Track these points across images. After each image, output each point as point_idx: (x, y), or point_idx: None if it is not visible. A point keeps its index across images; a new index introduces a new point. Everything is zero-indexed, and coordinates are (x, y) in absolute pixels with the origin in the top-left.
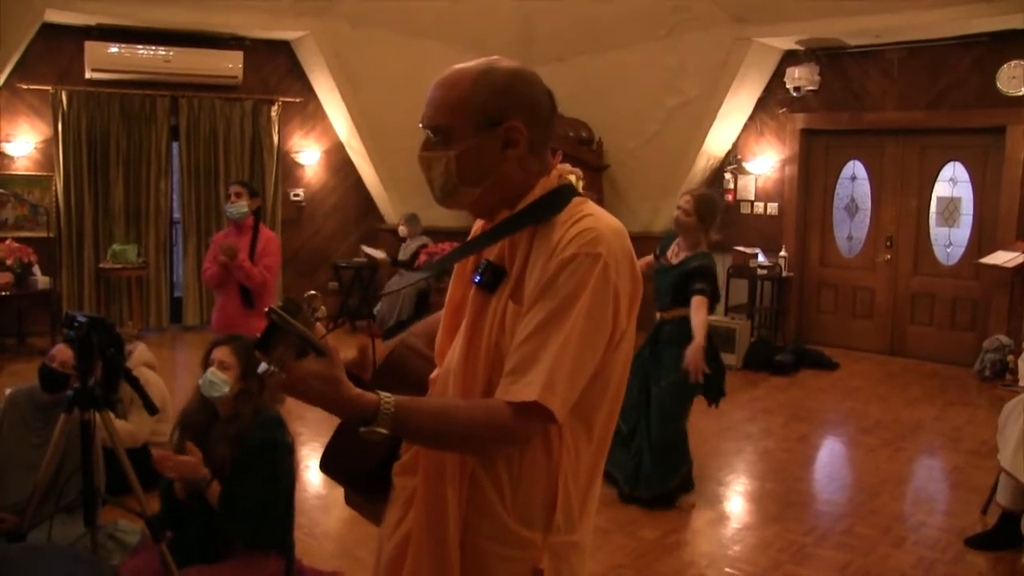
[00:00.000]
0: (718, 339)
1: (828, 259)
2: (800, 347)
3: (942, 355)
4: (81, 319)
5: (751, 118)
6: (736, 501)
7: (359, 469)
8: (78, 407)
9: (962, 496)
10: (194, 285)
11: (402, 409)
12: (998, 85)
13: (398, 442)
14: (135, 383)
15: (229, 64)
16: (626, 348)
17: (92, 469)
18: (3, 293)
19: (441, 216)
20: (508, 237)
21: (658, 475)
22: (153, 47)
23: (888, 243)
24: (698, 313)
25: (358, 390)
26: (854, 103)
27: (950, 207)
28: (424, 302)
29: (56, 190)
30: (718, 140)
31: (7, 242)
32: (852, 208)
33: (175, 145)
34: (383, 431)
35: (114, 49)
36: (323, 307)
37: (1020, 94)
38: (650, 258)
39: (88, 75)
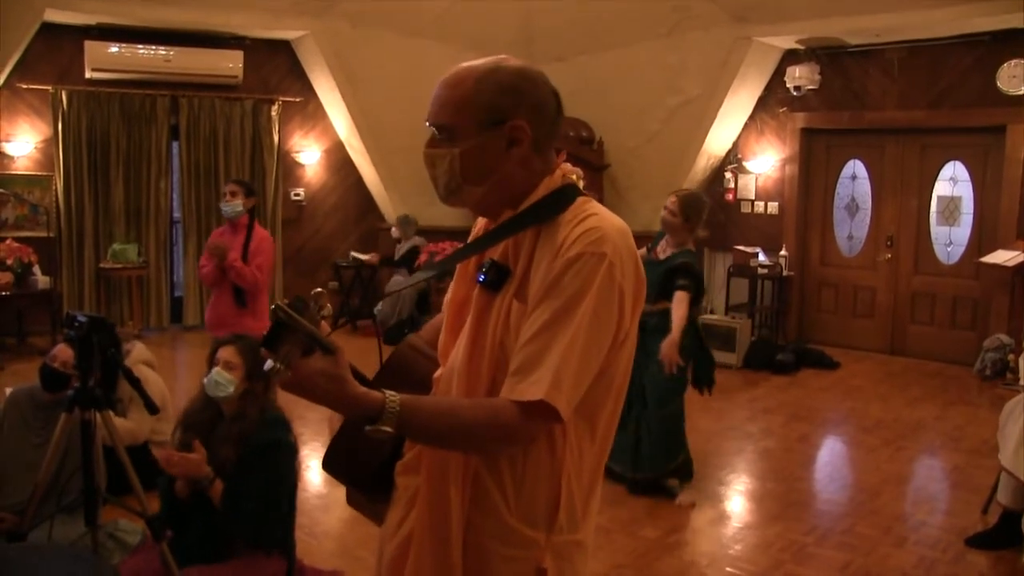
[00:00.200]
0: (719, 338)
1: (829, 258)
2: (801, 346)
3: (943, 354)
4: (82, 319)
5: (751, 117)
6: (737, 500)
7: (362, 468)
8: (79, 407)
9: (963, 495)
10: (194, 285)
11: (407, 408)
12: (998, 84)
13: (401, 441)
14: (136, 383)
15: (229, 64)
16: (629, 347)
17: (93, 469)
18: (3, 293)
19: (441, 216)
20: (512, 236)
21: (658, 456)
22: (153, 47)
23: (889, 242)
24: (678, 308)
25: (363, 388)
26: (854, 102)
27: (950, 206)
28: (425, 302)
29: (56, 190)
30: (719, 139)
31: (7, 242)
32: (852, 207)
33: (175, 145)
34: (388, 429)
35: (114, 49)
36: (328, 305)
37: (1020, 93)
38: (643, 250)
39: (88, 75)
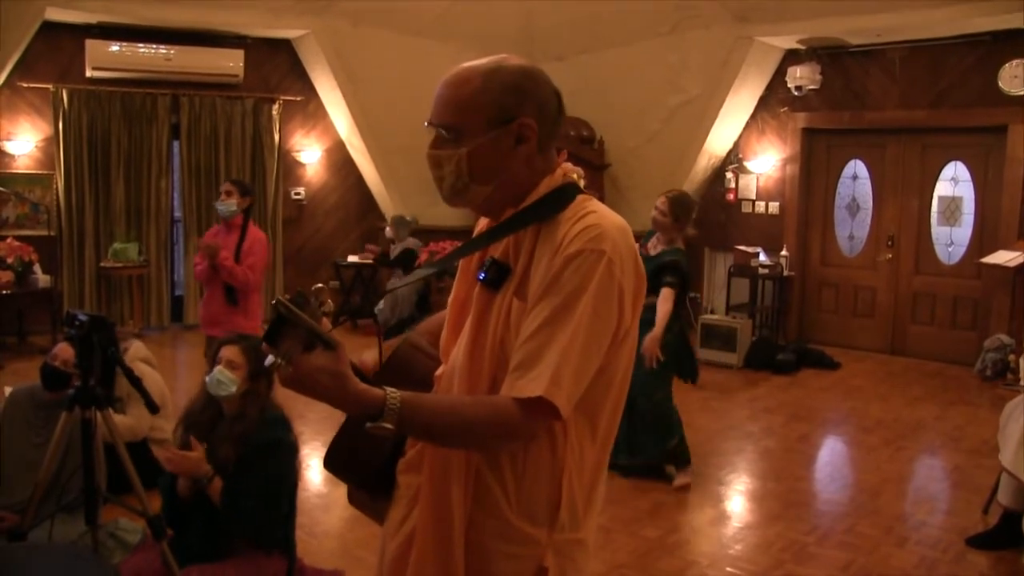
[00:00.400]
0: (720, 338)
1: (829, 258)
2: (801, 346)
3: (943, 354)
4: (82, 318)
5: (752, 117)
6: (737, 500)
7: (364, 467)
8: (79, 405)
9: (963, 496)
10: (195, 284)
11: (408, 405)
12: (999, 84)
13: (403, 439)
14: (137, 382)
15: (230, 63)
16: (630, 345)
17: (93, 468)
18: (4, 291)
19: (442, 215)
20: (513, 235)
21: (651, 442)
22: (154, 45)
23: (889, 242)
24: (664, 304)
25: (364, 385)
26: (855, 102)
27: (951, 206)
28: (424, 302)
29: (57, 189)
30: (719, 139)
31: (8, 241)
32: (853, 207)
33: (176, 144)
34: (389, 427)
35: (115, 47)
36: (329, 301)
37: (1021, 93)
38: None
39: (89, 73)
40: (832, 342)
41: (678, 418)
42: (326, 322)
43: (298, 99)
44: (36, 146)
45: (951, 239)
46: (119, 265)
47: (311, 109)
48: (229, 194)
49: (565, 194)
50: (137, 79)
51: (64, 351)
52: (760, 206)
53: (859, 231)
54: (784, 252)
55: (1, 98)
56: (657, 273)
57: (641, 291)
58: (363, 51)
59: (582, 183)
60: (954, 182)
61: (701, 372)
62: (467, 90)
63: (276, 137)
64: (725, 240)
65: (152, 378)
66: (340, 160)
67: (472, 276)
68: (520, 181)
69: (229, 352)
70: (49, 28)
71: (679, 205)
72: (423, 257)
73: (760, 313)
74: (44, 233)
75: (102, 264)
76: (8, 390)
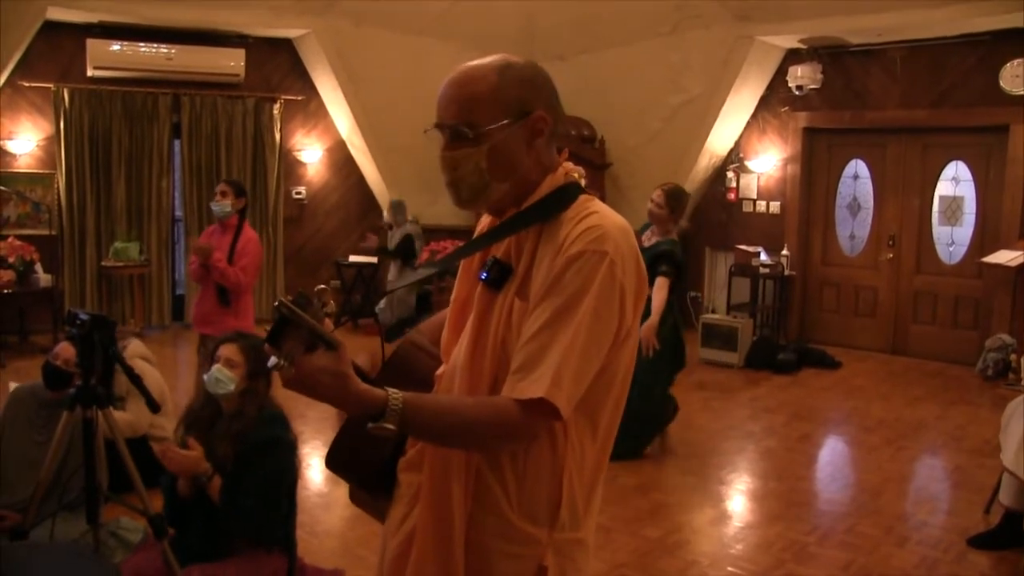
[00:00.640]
0: (720, 337)
1: (830, 258)
2: (802, 346)
3: (944, 354)
4: (83, 317)
5: (753, 116)
6: (738, 500)
7: (365, 466)
8: (80, 404)
9: (965, 495)
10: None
11: (410, 405)
12: (1001, 84)
13: (404, 439)
14: (137, 381)
15: (231, 62)
16: (631, 345)
17: (94, 467)
18: (5, 291)
19: (443, 214)
20: (515, 234)
21: (631, 440)
22: (155, 45)
23: (890, 242)
24: (659, 293)
25: (366, 385)
26: (856, 102)
27: (952, 206)
28: (425, 301)
29: (58, 188)
30: (720, 138)
31: (9, 240)
32: (854, 207)
33: (177, 143)
34: (391, 427)
35: (116, 47)
36: (332, 301)
37: (1022, 93)
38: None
39: (90, 73)
40: (833, 342)
41: (674, 407)
42: (328, 323)
43: (299, 98)
44: (37, 145)
45: (952, 239)
46: (120, 264)
47: (312, 108)
48: (224, 195)
49: (567, 194)
50: (138, 78)
51: (65, 350)
52: (761, 205)
53: (860, 231)
54: (785, 252)
55: (2, 97)
56: (653, 263)
57: (642, 291)
58: (364, 51)
59: (583, 182)
60: (955, 182)
61: (701, 372)
62: (483, 86)
63: (277, 136)
64: (726, 239)
65: (151, 376)
66: (341, 160)
67: (474, 276)
68: (530, 178)
69: (227, 350)
70: (50, 27)
71: (674, 197)
72: (423, 256)
73: (761, 312)
74: (45, 232)
75: (103, 263)
76: (11, 389)
